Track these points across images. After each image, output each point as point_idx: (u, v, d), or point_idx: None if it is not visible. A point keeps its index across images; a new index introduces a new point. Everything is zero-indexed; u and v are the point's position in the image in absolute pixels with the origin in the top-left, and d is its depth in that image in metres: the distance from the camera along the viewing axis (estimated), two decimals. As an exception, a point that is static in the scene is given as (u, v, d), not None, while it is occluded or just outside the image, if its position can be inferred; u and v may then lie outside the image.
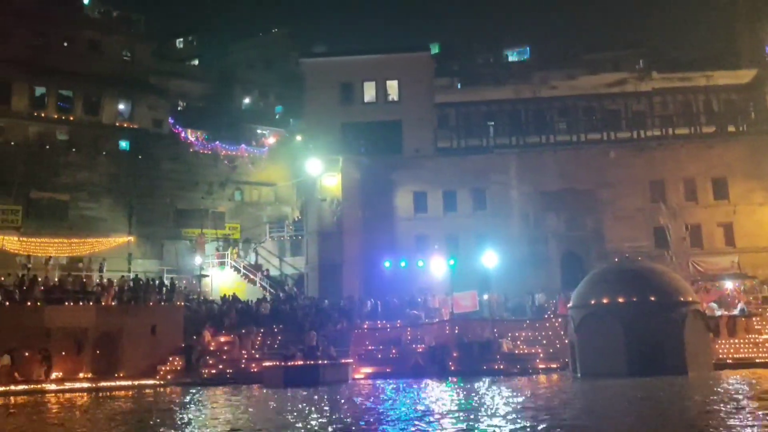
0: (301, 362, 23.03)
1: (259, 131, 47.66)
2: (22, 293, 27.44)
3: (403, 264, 34.70)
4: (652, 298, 22.51)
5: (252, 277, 37.96)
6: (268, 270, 38.57)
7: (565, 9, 78.07)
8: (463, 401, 16.76)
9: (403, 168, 36.93)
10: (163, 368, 28.15)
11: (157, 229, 38.85)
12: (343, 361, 24.35)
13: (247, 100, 49.29)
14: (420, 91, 38.47)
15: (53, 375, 27.35)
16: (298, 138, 43.70)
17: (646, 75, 46.25)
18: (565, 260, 35.99)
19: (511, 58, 64.31)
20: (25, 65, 36.52)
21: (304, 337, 26.31)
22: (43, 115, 36.88)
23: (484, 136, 43.70)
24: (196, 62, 55.61)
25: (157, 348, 29.05)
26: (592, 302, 23.23)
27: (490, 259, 33.86)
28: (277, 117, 49.61)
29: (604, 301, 22.91)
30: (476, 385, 21.00)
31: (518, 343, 27.61)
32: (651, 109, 43.80)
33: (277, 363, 23.91)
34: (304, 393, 19.68)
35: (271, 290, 37.00)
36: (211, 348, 29.48)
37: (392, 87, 38.72)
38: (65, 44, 38.06)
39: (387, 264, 33.25)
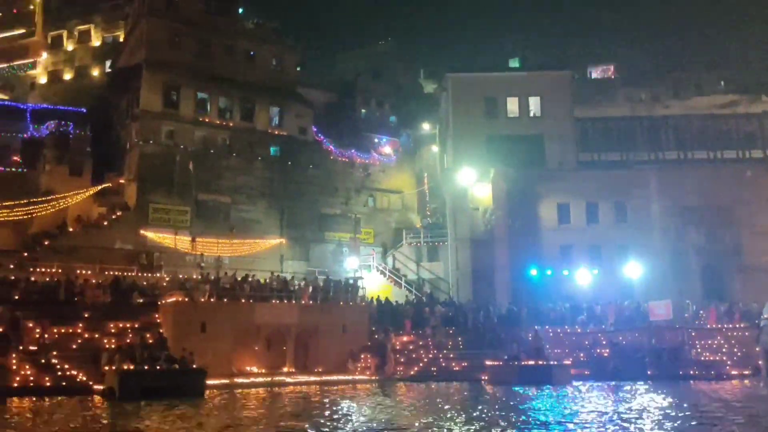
0: (532, 362, 24.62)
1: (376, 140, 49.34)
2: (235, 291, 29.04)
3: (549, 272, 36.62)
4: None
5: (397, 280, 39.59)
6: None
7: (649, 29, 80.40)
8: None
9: (547, 180, 38.55)
10: (359, 365, 29.73)
11: (304, 232, 40.44)
12: (564, 362, 25.93)
13: (363, 110, 51.03)
14: (561, 107, 40.28)
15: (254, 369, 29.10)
16: (434, 148, 45.39)
17: (756, 98, 48.26)
18: (705, 273, 37.70)
19: (594, 75, 66.30)
20: (191, 71, 38.18)
21: (512, 338, 27.96)
22: (206, 120, 38.54)
23: (595, 151, 45.80)
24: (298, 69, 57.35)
25: (347, 345, 30.62)
26: (799, 313, 24.99)
27: (634, 269, 35.70)
28: (391, 126, 51.32)
29: (812, 312, 24.67)
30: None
31: (698, 349, 29.27)
32: (761, 130, 45.80)
33: (501, 362, 25.51)
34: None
35: (417, 293, 38.67)
36: (397, 347, 31.12)
37: (534, 103, 40.51)
38: (225, 53, 39.72)
39: (549, 272, 35.24)
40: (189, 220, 36.51)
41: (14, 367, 21.54)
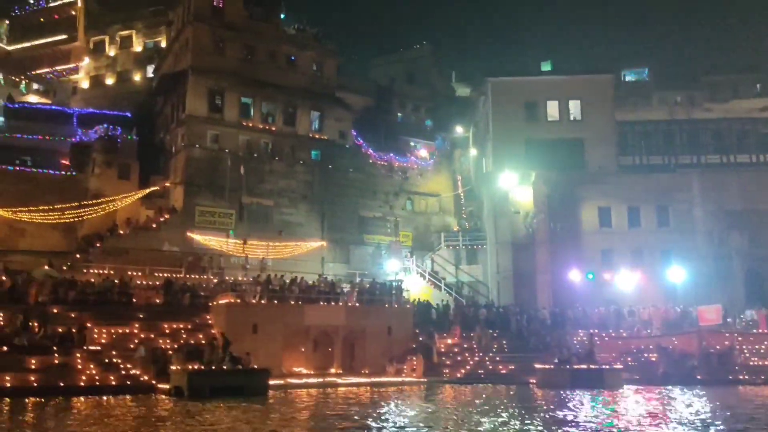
0: (584, 366, 24.70)
1: (412, 144, 49.63)
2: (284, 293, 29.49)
3: (590, 276, 36.63)
4: None
5: (436, 283, 39.80)
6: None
7: (683, 32, 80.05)
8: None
9: (588, 183, 38.56)
10: (406, 367, 29.95)
11: (344, 234, 40.82)
12: (615, 366, 25.98)
13: (399, 114, 51.36)
14: (602, 111, 40.29)
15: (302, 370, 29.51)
16: (472, 151, 45.57)
17: (798, 100, 47.82)
18: (748, 277, 37.46)
19: (628, 78, 65.95)
20: (235, 77, 38.80)
21: (562, 342, 28.05)
22: (250, 125, 39.11)
23: (635, 154, 45.66)
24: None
25: (392, 347, 30.88)
26: None
27: (677, 274, 35.54)
28: (427, 130, 51.59)
29: None
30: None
31: (746, 354, 29.10)
32: (803, 133, 45.31)
33: (552, 366, 25.61)
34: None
35: (458, 296, 38.83)
36: (442, 349, 31.33)
37: (575, 106, 40.54)
38: (267, 58, 40.28)
39: (590, 276, 35.26)
40: (233, 223, 37.03)
41: (79, 366, 22.10)
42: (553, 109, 40.63)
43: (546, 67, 53.72)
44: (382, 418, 16.29)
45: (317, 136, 41.50)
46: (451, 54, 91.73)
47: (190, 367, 20.04)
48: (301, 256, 38.90)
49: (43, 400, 18.92)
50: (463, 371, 29.15)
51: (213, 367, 19.88)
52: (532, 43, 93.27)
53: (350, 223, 41.35)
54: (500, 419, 15.64)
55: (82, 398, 19.62)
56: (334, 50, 43.15)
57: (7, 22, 58.22)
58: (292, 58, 41.40)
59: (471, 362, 29.79)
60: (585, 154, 39.96)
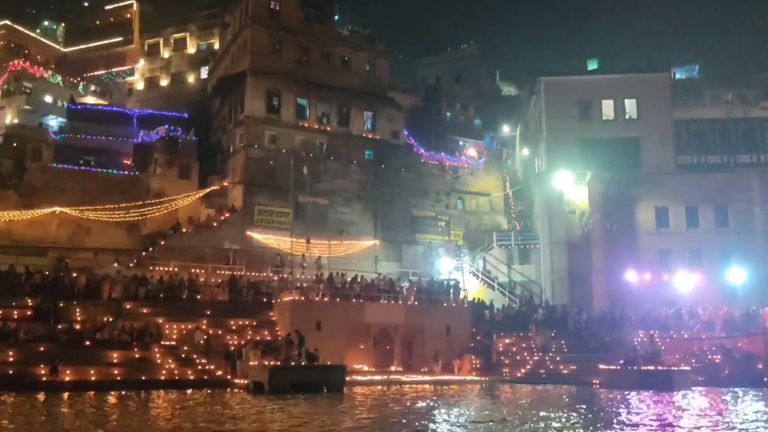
0: (652, 367, 24.60)
1: (461, 143, 49.76)
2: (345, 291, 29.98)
3: (647, 277, 36.31)
4: None
5: (490, 282, 39.90)
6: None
7: (732, 29, 78.54)
8: None
9: (644, 183, 38.15)
10: (465, 365, 30.17)
11: (397, 233, 41.15)
12: (683, 367, 25.81)
13: (448, 113, 51.55)
14: (658, 110, 39.89)
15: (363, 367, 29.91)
16: (524, 151, 45.52)
17: None
18: (811, 278, 36.70)
19: (678, 76, 64.96)
20: (291, 78, 39.45)
21: (623, 342, 28.00)
22: (306, 125, 39.73)
23: (693, 154, 45.13)
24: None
25: (450, 346, 31.13)
26: None
27: (738, 275, 35.04)
28: (476, 129, 51.70)
29: None
30: None
31: (812, 357, 28.58)
32: None
33: (618, 367, 25.56)
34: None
35: (512, 296, 38.89)
36: (500, 349, 31.48)
37: (630, 105, 40.22)
38: (322, 60, 40.87)
39: (647, 276, 35.04)
40: (290, 222, 37.63)
41: (158, 360, 22.84)
42: (608, 108, 40.39)
43: (593, 65, 53.15)
44: (480, 412, 16.64)
45: (370, 136, 41.93)
46: (494, 53, 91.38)
47: (266, 362, 20.57)
48: (355, 255, 39.38)
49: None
50: (523, 371, 29.27)
51: (292, 363, 20.40)
52: (577, 41, 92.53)
53: (402, 222, 41.66)
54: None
55: (161, 391, 20.25)
56: (386, 51, 43.50)
57: (63, 24, 60.11)
58: (346, 59, 41.93)
59: (530, 362, 29.89)
60: (641, 154, 39.64)
